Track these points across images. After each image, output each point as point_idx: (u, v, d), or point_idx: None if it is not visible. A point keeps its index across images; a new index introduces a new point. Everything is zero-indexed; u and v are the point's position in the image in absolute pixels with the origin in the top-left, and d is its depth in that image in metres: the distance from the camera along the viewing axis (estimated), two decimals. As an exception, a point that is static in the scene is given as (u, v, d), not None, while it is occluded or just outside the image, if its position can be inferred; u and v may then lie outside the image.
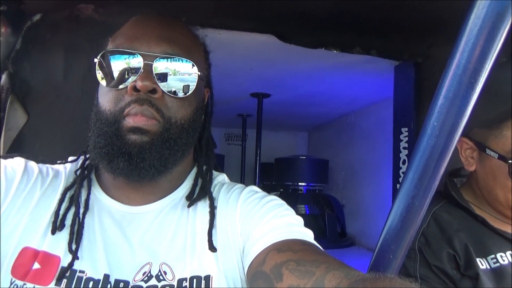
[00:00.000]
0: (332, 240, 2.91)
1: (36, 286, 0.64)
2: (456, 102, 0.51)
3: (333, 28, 1.32)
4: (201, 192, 0.77)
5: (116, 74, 0.69)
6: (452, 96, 0.51)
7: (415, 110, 1.58)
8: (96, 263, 0.68)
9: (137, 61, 0.68)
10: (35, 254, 0.67)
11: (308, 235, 0.68)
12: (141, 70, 0.68)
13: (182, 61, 0.72)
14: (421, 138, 0.57)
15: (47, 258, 0.67)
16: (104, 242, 0.70)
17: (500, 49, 0.47)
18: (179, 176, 0.79)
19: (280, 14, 1.25)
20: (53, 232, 0.68)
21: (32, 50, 1.22)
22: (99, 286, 0.66)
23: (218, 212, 0.75)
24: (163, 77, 0.69)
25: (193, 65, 0.73)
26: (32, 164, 0.76)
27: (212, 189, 0.80)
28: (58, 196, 0.73)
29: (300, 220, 0.73)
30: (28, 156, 0.78)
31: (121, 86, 0.68)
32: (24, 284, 0.64)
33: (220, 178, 0.85)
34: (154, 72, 0.68)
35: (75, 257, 0.67)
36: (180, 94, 0.71)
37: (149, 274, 0.68)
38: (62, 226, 0.69)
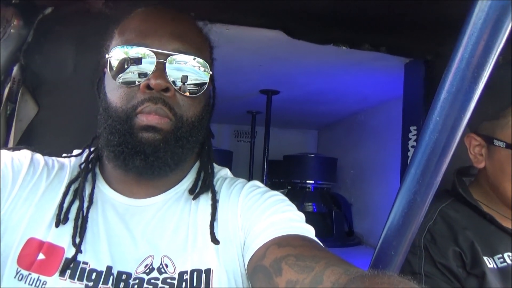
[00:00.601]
0: (339, 238, 2.90)
1: (41, 276, 0.66)
2: (459, 97, 0.50)
3: (342, 24, 1.31)
4: (204, 185, 0.78)
5: (128, 70, 0.69)
6: (455, 90, 0.51)
7: (424, 108, 1.56)
8: (99, 255, 0.69)
9: (150, 59, 0.68)
10: (40, 245, 0.68)
11: (309, 231, 0.69)
12: (154, 68, 0.68)
13: (195, 59, 0.72)
14: (424, 134, 0.57)
15: (52, 249, 0.68)
16: (107, 235, 0.71)
17: (504, 44, 0.46)
18: (184, 170, 0.80)
19: (289, 10, 1.25)
20: (57, 225, 0.70)
21: (44, 42, 1.24)
22: (102, 278, 0.67)
23: (220, 205, 0.76)
24: (176, 75, 0.69)
25: (205, 64, 0.73)
26: (38, 156, 0.77)
27: (214, 183, 0.80)
28: (63, 189, 0.74)
29: (301, 216, 0.73)
30: (35, 149, 0.80)
31: (132, 83, 0.69)
32: (29, 273, 0.66)
33: (223, 172, 0.86)
34: (167, 71, 0.69)
35: (78, 250, 0.68)
36: (192, 93, 0.72)
37: (151, 267, 0.69)
38: (66, 219, 0.71)
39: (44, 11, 1.24)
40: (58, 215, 0.70)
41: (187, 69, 0.71)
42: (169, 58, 0.69)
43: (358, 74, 2.12)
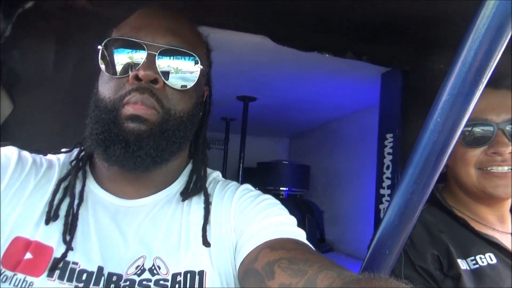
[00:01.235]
0: (311, 245, 2.91)
1: (28, 276, 0.62)
2: (460, 98, 0.53)
3: (327, 32, 1.35)
4: (196, 187, 0.77)
5: (118, 62, 0.69)
6: (456, 93, 0.53)
7: (400, 116, 1.62)
8: (90, 255, 0.67)
9: (140, 51, 0.68)
10: (27, 244, 0.65)
11: (300, 235, 0.69)
12: (144, 60, 0.67)
13: (186, 54, 0.72)
14: (423, 134, 0.59)
15: (40, 248, 0.65)
16: (98, 235, 0.69)
17: (505, 48, 0.49)
18: (174, 172, 0.79)
19: (276, 15, 1.27)
20: (47, 222, 0.67)
21: (23, 38, 1.19)
22: (93, 279, 0.64)
23: (212, 207, 0.75)
24: (166, 68, 0.69)
25: (195, 59, 0.73)
26: (25, 153, 0.74)
27: (207, 186, 0.79)
28: (52, 186, 0.72)
29: (293, 220, 0.74)
30: (20, 146, 0.76)
31: (122, 75, 0.68)
32: (15, 274, 0.62)
33: (215, 174, 0.86)
34: (157, 63, 0.68)
35: (69, 247, 0.65)
36: (181, 87, 0.71)
37: (142, 268, 0.67)
38: (56, 217, 0.68)
39: (24, 5, 1.19)
40: (48, 212, 0.68)
41: (178, 63, 0.71)
42: (160, 50, 0.69)
43: (336, 82, 2.17)
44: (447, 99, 0.54)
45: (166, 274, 0.67)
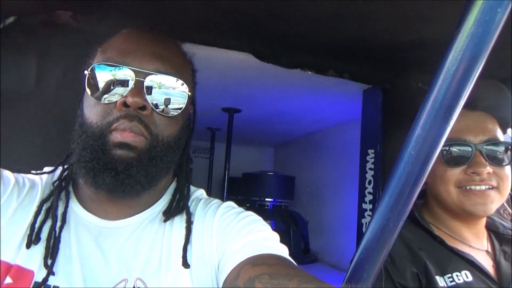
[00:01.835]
0: (296, 256, 2.92)
1: None
2: (431, 133, 0.55)
3: (310, 50, 1.37)
4: (178, 207, 0.78)
5: (105, 87, 0.68)
6: (429, 127, 0.55)
7: (381, 133, 1.65)
8: (71, 278, 0.66)
9: (128, 77, 0.68)
10: (8, 268, 0.64)
11: (282, 251, 0.69)
12: (132, 86, 0.68)
13: (174, 80, 0.72)
14: (398, 165, 0.61)
15: (20, 273, 0.64)
16: (80, 257, 0.69)
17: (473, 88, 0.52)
18: (159, 191, 0.79)
19: (260, 34, 1.29)
20: (28, 246, 0.66)
21: (4, 54, 1.18)
22: None
23: (194, 226, 0.75)
24: (153, 94, 0.69)
25: (183, 85, 0.73)
26: (7, 173, 0.73)
27: (189, 204, 0.80)
28: (34, 208, 0.71)
29: (276, 236, 0.74)
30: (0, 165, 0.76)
31: (109, 100, 0.68)
32: None
33: (198, 193, 0.86)
34: (144, 89, 0.68)
35: (50, 272, 0.65)
36: (169, 113, 0.71)
37: None
38: (37, 240, 0.67)
39: (5, 21, 1.18)
40: (30, 235, 0.67)
41: (166, 89, 0.71)
42: (147, 77, 0.69)
43: (318, 97, 2.20)
44: (420, 134, 0.56)
45: None
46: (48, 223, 0.70)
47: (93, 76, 0.69)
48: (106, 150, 0.66)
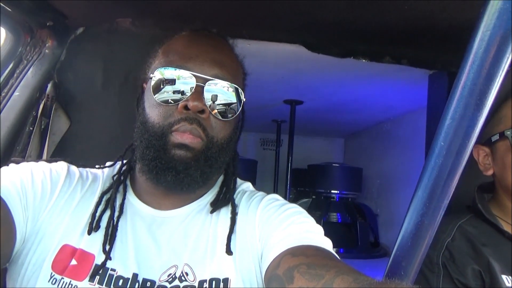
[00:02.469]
0: (364, 250, 2.85)
1: (72, 280, 0.70)
2: (463, 123, 0.51)
3: (362, 37, 1.31)
4: (224, 199, 0.82)
5: (168, 89, 0.75)
6: (458, 117, 0.51)
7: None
8: (126, 262, 0.73)
9: (190, 81, 0.74)
10: (73, 251, 0.73)
11: (324, 243, 0.70)
12: (193, 90, 0.73)
13: (231, 86, 0.77)
14: (430, 158, 0.57)
15: (83, 256, 0.73)
16: (134, 244, 0.75)
17: (507, 71, 0.46)
18: (209, 185, 0.84)
19: (308, 24, 1.27)
20: (89, 233, 0.75)
21: (75, 61, 1.31)
22: (128, 284, 0.71)
23: (238, 217, 0.79)
24: (212, 99, 0.75)
25: (240, 91, 0.79)
26: (73, 168, 0.83)
27: (235, 196, 0.84)
28: (95, 199, 0.79)
29: (319, 228, 0.75)
30: (71, 160, 0.86)
31: (171, 102, 0.74)
32: (62, 278, 0.70)
33: (244, 186, 0.90)
34: (204, 94, 0.74)
35: (108, 257, 0.72)
36: (225, 117, 0.77)
37: (173, 276, 0.72)
38: (97, 227, 0.75)
39: (76, 31, 1.32)
40: (91, 223, 0.75)
41: (223, 94, 0.76)
42: (207, 82, 0.74)
43: (381, 85, 2.10)
44: (450, 124, 0.52)
45: (193, 281, 0.72)
46: (107, 213, 0.78)
47: (156, 78, 0.76)
48: (167, 149, 0.73)
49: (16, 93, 1.22)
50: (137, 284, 0.71)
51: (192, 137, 0.72)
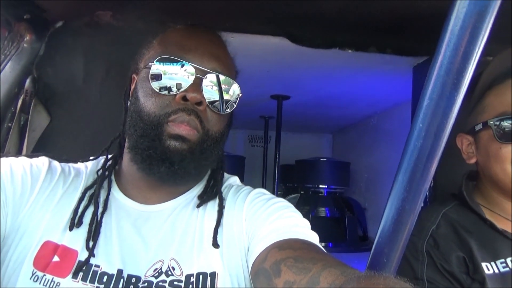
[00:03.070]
0: (352, 243, 2.86)
1: (55, 277, 0.69)
2: (441, 103, 0.50)
3: (346, 28, 1.31)
4: (211, 193, 0.81)
5: (166, 79, 0.74)
6: (436, 97, 0.51)
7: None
8: (110, 258, 0.72)
9: (189, 73, 0.73)
10: (56, 248, 0.71)
11: (311, 237, 0.70)
12: (192, 82, 0.73)
13: (228, 80, 0.77)
14: (409, 140, 0.57)
15: (66, 252, 0.71)
16: (119, 239, 0.74)
17: (483, 49, 0.46)
18: (197, 178, 0.84)
19: (292, 16, 1.26)
20: (70, 229, 0.73)
21: (55, 55, 1.29)
22: (113, 280, 0.70)
23: (225, 211, 0.78)
24: (210, 92, 0.74)
25: (236, 85, 0.79)
26: (55, 163, 0.81)
27: (222, 190, 0.83)
28: (78, 194, 0.78)
29: (306, 222, 0.75)
30: (53, 156, 0.84)
31: (169, 92, 0.73)
32: (44, 275, 0.68)
33: (231, 180, 0.89)
34: (203, 86, 0.73)
35: (91, 253, 0.71)
36: (222, 111, 0.77)
37: (160, 270, 0.71)
38: (80, 223, 0.74)
39: (55, 25, 1.29)
40: (73, 219, 0.74)
41: (221, 88, 0.76)
42: (206, 75, 0.74)
43: (368, 78, 2.11)
44: (428, 104, 0.52)
45: (180, 275, 0.71)
46: (91, 209, 0.76)
47: (155, 68, 0.75)
48: (162, 139, 0.71)
49: (-7, 89, 1.19)
50: (122, 280, 0.70)
51: (189, 128, 0.72)
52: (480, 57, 0.47)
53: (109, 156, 0.85)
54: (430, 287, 0.90)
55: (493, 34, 0.47)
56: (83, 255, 0.71)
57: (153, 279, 0.70)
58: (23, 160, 0.77)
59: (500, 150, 0.90)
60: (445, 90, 0.50)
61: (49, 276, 0.68)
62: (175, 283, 0.70)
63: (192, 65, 0.73)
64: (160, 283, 0.70)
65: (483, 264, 0.88)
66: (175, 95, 0.72)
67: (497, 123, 0.90)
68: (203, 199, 0.80)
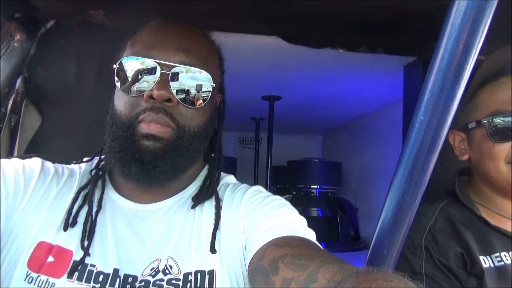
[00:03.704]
0: (345, 243, 2.88)
1: (50, 278, 0.68)
2: (442, 96, 0.51)
3: (338, 27, 1.32)
4: (207, 193, 0.80)
5: (132, 80, 0.72)
6: (437, 90, 0.52)
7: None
8: (106, 258, 0.71)
9: (154, 70, 0.71)
10: (50, 248, 0.70)
11: (308, 234, 0.70)
12: (158, 79, 0.71)
13: (199, 72, 0.74)
14: (410, 133, 0.57)
15: (61, 252, 0.70)
16: (115, 239, 0.73)
17: (484, 42, 0.47)
18: (189, 177, 0.83)
19: (285, 15, 1.26)
20: (65, 229, 0.72)
21: (46, 55, 1.27)
22: (109, 280, 0.69)
23: (222, 209, 0.78)
24: (179, 87, 0.72)
25: (208, 76, 0.75)
26: (48, 164, 0.80)
27: (218, 189, 0.83)
28: (72, 195, 0.77)
29: (303, 220, 0.75)
30: (46, 157, 0.82)
31: (137, 93, 0.71)
32: (39, 276, 0.67)
33: (227, 179, 0.88)
34: (170, 82, 0.71)
35: (86, 253, 0.70)
36: (195, 104, 0.74)
37: (157, 269, 0.70)
38: (74, 223, 0.73)
39: (46, 25, 1.27)
40: (67, 219, 0.73)
41: (190, 81, 0.73)
42: (173, 69, 0.71)
43: (359, 78, 2.13)
44: (429, 97, 0.53)
45: (178, 273, 0.70)
46: (85, 208, 0.75)
47: (121, 69, 0.73)
48: (134, 140, 0.70)
49: (-17, 89, 1.17)
50: (118, 279, 0.69)
51: (159, 126, 0.70)
52: (481, 50, 0.48)
53: (103, 157, 0.83)
54: (428, 282, 0.91)
55: (491, 34, 0.48)
56: (78, 255, 0.70)
57: (150, 278, 0.69)
58: (15, 161, 0.76)
59: (493, 148, 0.91)
60: (446, 83, 0.51)
61: (43, 277, 0.67)
62: (173, 281, 0.69)
63: (156, 61, 0.71)
64: (158, 282, 0.69)
65: (481, 258, 0.89)
66: (143, 95, 0.71)
67: (490, 121, 0.92)
68: (198, 200, 0.79)
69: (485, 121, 0.92)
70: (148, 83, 0.71)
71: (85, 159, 0.87)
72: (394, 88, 2.13)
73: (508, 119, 0.90)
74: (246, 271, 0.71)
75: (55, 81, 1.28)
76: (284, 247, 0.63)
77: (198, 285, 0.69)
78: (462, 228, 0.94)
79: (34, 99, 1.26)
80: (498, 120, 0.91)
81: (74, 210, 0.74)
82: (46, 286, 0.67)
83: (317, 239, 0.71)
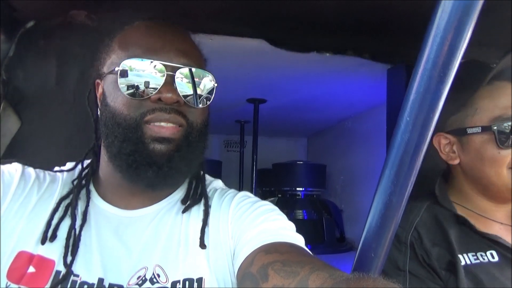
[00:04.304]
0: (330, 245, 2.89)
1: None
2: (427, 97, 0.51)
3: (324, 31, 1.33)
4: (196, 194, 0.80)
5: (137, 82, 0.70)
6: (423, 91, 0.52)
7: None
8: (90, 267, 0.69)
9: (159, 71, 0.70)
10: (30, 258, 0.68)
11: (297, 240, 0.69)
12: (164, 81, 0.70)
13: (202, 72, 0.75)
14: (396, 134, 0.57)
15: (42, 262, 0.68)
16: (99, 247, 0.71)
17: (468, 43, 0.47)
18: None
19: (271, 18, 1.26)
20: (42, 243, 0.69)
21: (26, 56, 1.24)
22: None
23: (211, 214, 0.77)
24: (185, 88, 0.72)
25: (211, 75, 0.76)
26: (29, 169, 0.77)
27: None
28: (52, 204, 0.74)
29: (291, 225, 0.74)
30: (26, 162, 0.80)
31: (142, 95, 0.70)
32: (19, 287, 0.65)
33: (215, 183, 0.87)
34: (176, 83, 0.70)
35: (69, 271, 0.67)
36: (200, 104, 0.74)
37: (143, 278, 0.69)
38: (54, 237, 0.70)
39: (26, 25, 1.24)
40: (45, 232, 0.70)
41: (195, 81, 0.73)
42: (178, 71, 0.71)
43: (343, 81, 2.15)
44: (414, 98, 0.53)
45: (166, 282, 0.69)
46: (67, 221, 0.72)
47: (123, 71, 0.71)
48: (144, 143, 0.69)
49: (-41, 91, 1.13)
50: None
51: (172, 127, 0.70)
52: (465, 51, 0.48)
53: (85, 165, 0.81)
54: (412, 279, 0.92)
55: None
56: (60, 264, 0.68)
57: (136, 287, 0.68)
58: None
59: (498, 154, 0.90)
60: (431, 84, 0.52)
61: None
62: None
63: (162, 63, 0.70)
64: None
65: (459, 256, 0.90)
66: (149, 97, 0.70)
67: (499, 127, 0.90)
68: (188, 204, 0.78)
69: (495, 128, 0.90)
70: (152, 85, 0.70)
71: (68, 164, 0.84)
72: (378, 91, 2.15)
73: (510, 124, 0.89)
74: (235, 278, 0.70)
75: (34, 83, 1.25)
76: (274, 254, 0.63)
77: None
78: (446, 225, 0.95)
79: (13, 102, 1.22)
80: (503, 126, 0.90)
81: (54, 222, 0.71)
82: None
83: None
